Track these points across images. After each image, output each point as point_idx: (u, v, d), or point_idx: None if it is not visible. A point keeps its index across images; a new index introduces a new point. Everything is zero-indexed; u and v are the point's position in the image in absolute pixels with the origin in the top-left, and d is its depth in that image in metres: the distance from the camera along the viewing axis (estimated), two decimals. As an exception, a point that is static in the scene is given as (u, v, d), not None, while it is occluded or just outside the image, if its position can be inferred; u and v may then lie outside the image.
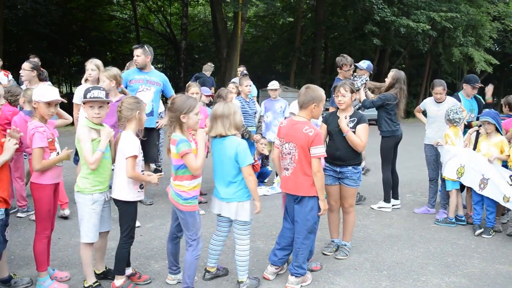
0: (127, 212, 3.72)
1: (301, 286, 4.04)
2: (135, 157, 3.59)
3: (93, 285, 3.69)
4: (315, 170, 3.83)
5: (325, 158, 4.49)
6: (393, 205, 6.60)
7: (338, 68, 6.79)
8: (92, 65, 5.47)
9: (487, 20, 25.96)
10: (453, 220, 5.96)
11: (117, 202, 3.72)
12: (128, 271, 3.92)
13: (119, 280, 3.74)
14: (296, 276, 3.97)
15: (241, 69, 11.66)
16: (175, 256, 3.92)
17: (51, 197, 3.71)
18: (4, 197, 3.34)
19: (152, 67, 6.31)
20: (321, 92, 3.95)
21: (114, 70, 5.27)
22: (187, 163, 3.49)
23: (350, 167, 4.53)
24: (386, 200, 6.56)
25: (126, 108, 3.65)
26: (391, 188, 6.59)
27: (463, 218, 5.99)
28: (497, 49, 32.12)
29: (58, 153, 3.73)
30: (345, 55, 6.85)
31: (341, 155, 4.53)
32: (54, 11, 19.45)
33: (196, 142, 3.62)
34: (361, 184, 4.83)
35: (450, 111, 5.93)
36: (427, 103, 6.61)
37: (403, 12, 21.95)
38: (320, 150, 3.81)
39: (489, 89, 7.08)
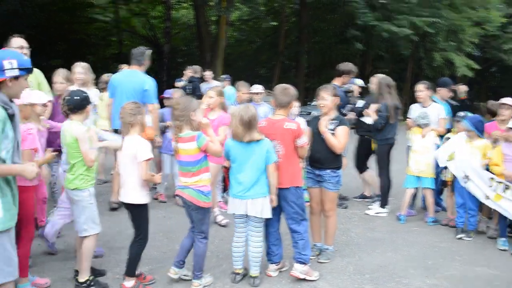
0: (141, 215, 3.81)
1: (306, 277, 4.17)
2: (150, 159, 3.70)
3: (90, 279, 3.74)
4: (304, 156, 4.31)
5: (306, 160, 4.76)
6: (377, 213, 6.51)
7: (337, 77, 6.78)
8: (80, 68, 5.55)
9: (468, 26, 26.31)
10: (435, 219, 6.22)
11: (130, 206, 3.78)
12: None
13: (129, 282, 3.78)
14: (299, 262, 4.16)
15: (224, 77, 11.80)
16: (187, 253, 3.99)
17: (34, 198, 3.72)
18: None
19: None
20: (295, 90, 4.32)
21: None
22: (211, 151, 3.79)
23: (328, 171, 4.55)
24: (382, 205, 6.51)
25: (128, 114, 3.73)
26: (388, 194, 6.55)
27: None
28: (478, 54, 32.53)
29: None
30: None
31: (320, 157, 4.56)
32: (39, 13, 19.23)
33: None
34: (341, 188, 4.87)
35: (418, 117, 6.23)
36: (413, 109, 6.59)
37: (386, 17, 22.16)
38: (304, 139, 4.18)
39: (459, 87, 7.36)
